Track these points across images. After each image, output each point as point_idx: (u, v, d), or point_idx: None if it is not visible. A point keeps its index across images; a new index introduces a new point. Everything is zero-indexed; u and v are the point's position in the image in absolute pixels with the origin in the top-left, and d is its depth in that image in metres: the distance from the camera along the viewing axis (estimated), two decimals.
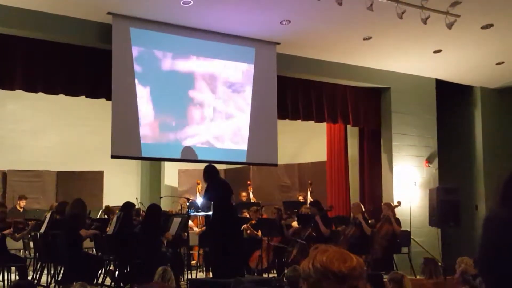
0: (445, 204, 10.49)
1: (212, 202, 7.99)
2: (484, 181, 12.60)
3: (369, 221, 9.80)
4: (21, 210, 11.12)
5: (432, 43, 10.22)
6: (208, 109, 9.95)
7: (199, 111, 9.88)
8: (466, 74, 12.10)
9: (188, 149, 9.74)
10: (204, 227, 9.91)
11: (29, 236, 9.14)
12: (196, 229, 10.49)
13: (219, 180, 8.27)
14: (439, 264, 7.67)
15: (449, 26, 8.57)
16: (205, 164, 8.35)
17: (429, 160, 12.13)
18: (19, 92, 9.22)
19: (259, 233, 9.72)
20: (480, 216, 12.55)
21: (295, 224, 10.14)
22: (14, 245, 9.02)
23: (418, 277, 9.17)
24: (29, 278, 8.51)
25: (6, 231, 7.89)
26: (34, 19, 8.54)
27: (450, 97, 12.94)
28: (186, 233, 9.26)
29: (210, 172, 8.13)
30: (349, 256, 1.75)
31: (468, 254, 6.59)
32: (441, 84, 12.42)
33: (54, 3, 8.35)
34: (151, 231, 7.97)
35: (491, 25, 9.41)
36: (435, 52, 10.69)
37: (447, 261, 9.69)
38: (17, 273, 8.30)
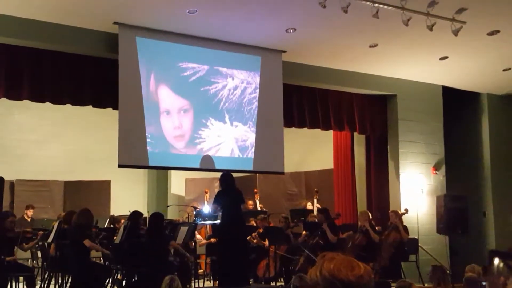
0: (453, 211, 10.45)
1: (219, 209, 8.03)
2: (492, 188, 12.54)
3: (376, 229, 9.76)
4: (29, 219, 11.14)
5: (438, 50, 10.21)
6: (214, 117, 9.95)
7: (205, 119, 9.88)
8: (473, 80, 12.07)
9: (207, 158, 9.75)
10: (210, 239, 9.91)
11: (37, 245, 9.17)
12: (202, 241, 10.45)
13: (231, 189, 8.29)
14: (447, 271, 7.62)
15: (455, 32, 8.56)
16: (210, 173, 8.39)
17: (436, 167, 12.08)
18: (26, 102, 9.27)
19: (266, 242, 9.70)
20: (488, 223, 12.50)
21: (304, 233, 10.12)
22: (22, 254, 9.03)
23: (426, 285, 9.13)
24: (37, 287, 8.52)
25: (9, 258, 7.90)
26: (41, 29, 8.59)
27: (457, 104, 12.91)
28: (193, 242, 9.26)
29: (225, 178, 8.21)
30: (356, 264, 1.74)
31: (476, 262, 6.56)
32: (447, 91, 12.40)
33: (60, 14, 8.40)
34: (156, 240, 7.97)
35: (498, 31, 9.39)
36: (441, 59, 10.67)
37: (455, 268, 9.64)
38: (25, 282, 8.31)
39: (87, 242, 7.49)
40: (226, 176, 8.30)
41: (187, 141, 9.71)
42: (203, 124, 9.83)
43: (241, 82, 10.22)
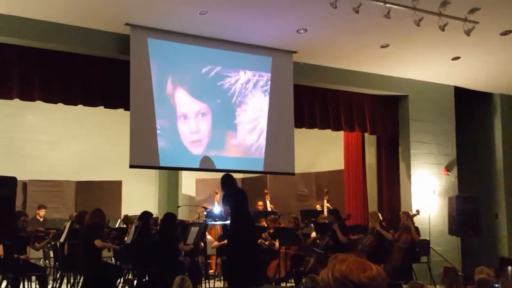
0: (465, 212, 10.39)
1: (230, 211, 8.01)
2: (505, 189, 12.45)
3: (389, 231, 9.72)
4: (41, 219, 11.22)
5: (450, 50, 10.16)
6: (225, 118, 9.96)
7: (215, 120, 9.89)
8: (485, 81, 11.99)
9: (206, 159, 9.76)
10: (222, 242, 9.90)
11: (49, 245, 9.22)
12: (215, 242, 10.44)
13: (235, 189, 8.28)
14: (459, 273, 7.57)
15: (468, 33, 8.51)
16: (222, 173, 8.39)
17: (448, 168, 12.02)
18: (38, 103, 9.33)
19: (276, 243, 9.69)
20: (500, 225, 12.41)
21: (314, 234, 10.11)
22: (34, 254, 9.09)
23: (437, 286, 9.09)
24: (49, 287, 8.57)
25: (22, 256, 7.96)
26: (53, 31, 8.64)
27: (469, 105, 12.83)
28: (203, 243, 9.27)
29: (227, 181, 8.16)
30: (368, 265, 1.73)
31: (489, 264, 6.52)
32: (459, 92, 12.33)
33: (72, 15, 8.44)
34: (167, 240, 7.99)
35: (510, 31, 9.32)
36: (453, 59, 10.62)
37: (467, 270, 9.59)
38: (37, 282, 8.36)
39: (98, 243, 7.51)
40: (228, 178, 8.27)
41: (204, 147, 9.72)
42: (213, 125, 9.83)
43: (251, 82, 10.21)
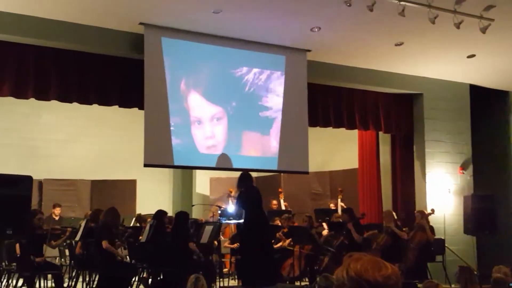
0: (480, 211, 10.31)
1: (244, 210, 8.02)
2: None
3: (403, 229, 9.68)
4: (57, 218, 11.31)
5: (466, 48, 10.08)
6: (239, 116, 9.96)
7: (231, 122, 9.90)
8: (501, 79, 11.89)
9: (223, 157, 9.76)
10: (237, 244, 9.91)
11: (64, 243, 9.29)
12: (226, 242, 10.45)
13: (252, 189, 8.29)
14: (475, 272, 7.52)
15: (483, 30, 8.44)
16: (235, 172, 8.40)
17: (463, 167, 11.94)
18: (53, 102, 9.38)
19: (287, 241, 9.72)
20: None
21: (325, 232, 10.10)
22: (50, 252, 9.17)
23: (453, 286, 9.04)
24: (65, 285, 8.63)
25: (38, 259, 8.03)
26: (68, 30, 8.69)
27: (485, 103, 12.73)
28: (217, 241, 9.29)
29: (243, 179, 8.18)
30: (384, 264, 1.73)
31: (504, 263, 6.47)
32: (475, 90, 12.24)
33: (87, 15, 8.49)
34: (181, 239, 8.01)
35: None
36: (468, 57, 10.54)
37: (482, 269, 9.52)
38: (53, 280, 8.43)
39: (104, 244, 7.51)
40: (246, 177, 8.28)
41: (212, 140, 9.73)
42: (228, 124, 9.84)
43: (265, 81, 10.20)
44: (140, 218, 10.40)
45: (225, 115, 9.81)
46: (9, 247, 8.20)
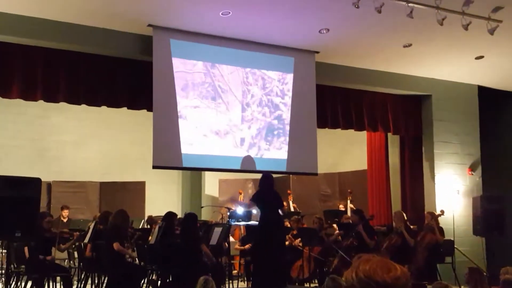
0: (489, 213, 10.25)
1: (259, 209, 8.11)
2: None
3: (411, 228, 9.66)
4: (65, 220, 11.34)
5: (474, 49, 10.06)
6: (248, 118, 9.98)
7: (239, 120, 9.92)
8: (510, 80, 11.84)
9: (248, 158, 9.80)
10: (245, 246, 9.92)
11: (73, 246, 9.31)
12: (237, 244, 10.45)
13: (270, 191, 8.32)
14: (484, 274, 7.50)
15: (491, 31, 8.41)
16: (243, 174, 8.45)
17: (472, 168, 11.90)
18: (62, 104, 9.42)
19: (296, 242, 9.72)
20: None
21: (336, 232, 10.08)
22: (59, 255, 9.19)
23: (462, 287, 9.00)
24: (74, 287, 8.66)
25: (49, 257, 8.09)
26: (77, 32, 8.73)
27: (493, 104, 12.69)
28: (227, 243, 9.30)
29: (263, 180, 8.28)
30: (393, 265, 1.73)
31: None
32: (483, 91, 12.20)
33: (95, 17, 8.53)
34: (190, 241, 8.01)
35: None
36: (477, 58, 10.51)
37: (492, 270, 9.48)
38: (62, 283, 8.45)
39: (116, 245, 7.53)
40: (266, 177, 8.36)
41: (221, 142, 9.74)
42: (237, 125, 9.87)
43: (274, 83, 10.21)
44: (151, 220, 10.42)
45: (234, 117, 9.82)
46: (17, 249, 8.22)
